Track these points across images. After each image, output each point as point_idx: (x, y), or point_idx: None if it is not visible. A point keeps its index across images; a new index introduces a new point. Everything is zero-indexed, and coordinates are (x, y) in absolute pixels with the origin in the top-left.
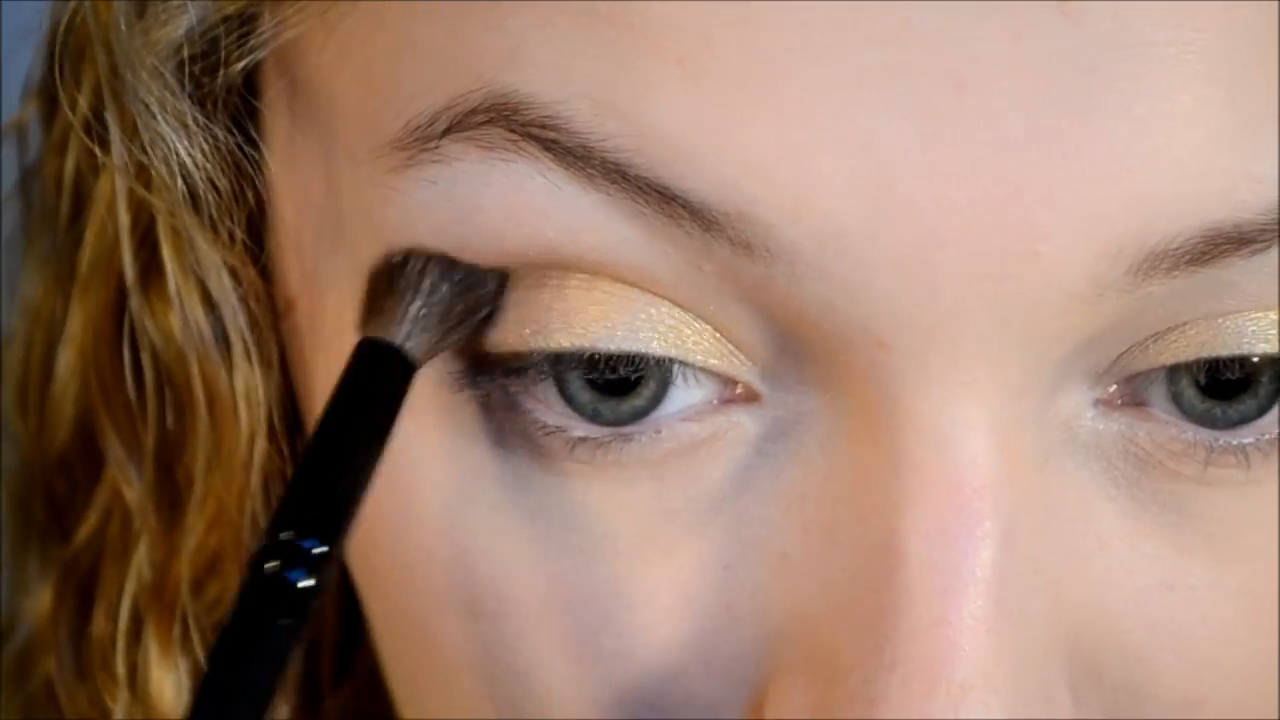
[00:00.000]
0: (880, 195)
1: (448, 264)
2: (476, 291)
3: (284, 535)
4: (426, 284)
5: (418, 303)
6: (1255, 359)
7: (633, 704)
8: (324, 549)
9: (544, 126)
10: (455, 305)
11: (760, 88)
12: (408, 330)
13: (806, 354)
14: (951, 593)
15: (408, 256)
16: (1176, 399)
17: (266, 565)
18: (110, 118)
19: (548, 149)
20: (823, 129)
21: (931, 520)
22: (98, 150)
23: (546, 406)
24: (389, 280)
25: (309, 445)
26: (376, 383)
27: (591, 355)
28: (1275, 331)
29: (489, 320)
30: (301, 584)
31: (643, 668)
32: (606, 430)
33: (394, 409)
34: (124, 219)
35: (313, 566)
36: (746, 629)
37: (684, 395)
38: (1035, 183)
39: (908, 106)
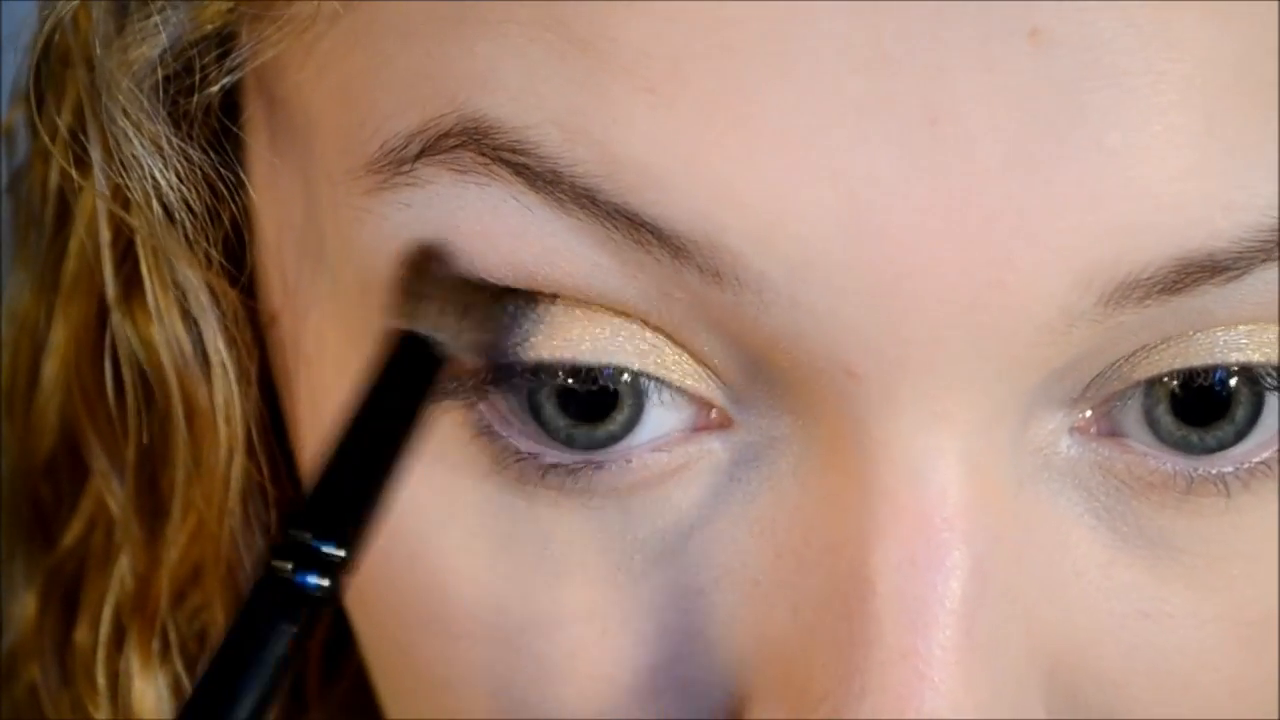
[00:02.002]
0: (851, 224)
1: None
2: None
3: (302, 536)
4: (452, 279)
5: (446, 296)
6: (1232, 381)
7: None
8: (341, 554)
9: (514, 151)
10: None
11: (732, 116)
12: (437, 322)
13: (778, 381)
14: (920, 624)
15: (432, 249)
16: (1153, 426)
17: (277, 564)
18: (91, 136)
19: (519, 173)
20: (795, 158)
21: (901, 551)
22: (74, 173)
23: (520, 433)
24: (419, 273)
25: (336, 440)
26: (409, 377)
27: (574, 365)
28: (1246, 341)
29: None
30: (313, 588)
31: (617, 691)
32: (579, 457)
33: (425, 403)
34: (105, 235)
35: (327, 571)
36: (719, 654)
37: (659, 419)
38: (1008, 213)
39: (882, 137)
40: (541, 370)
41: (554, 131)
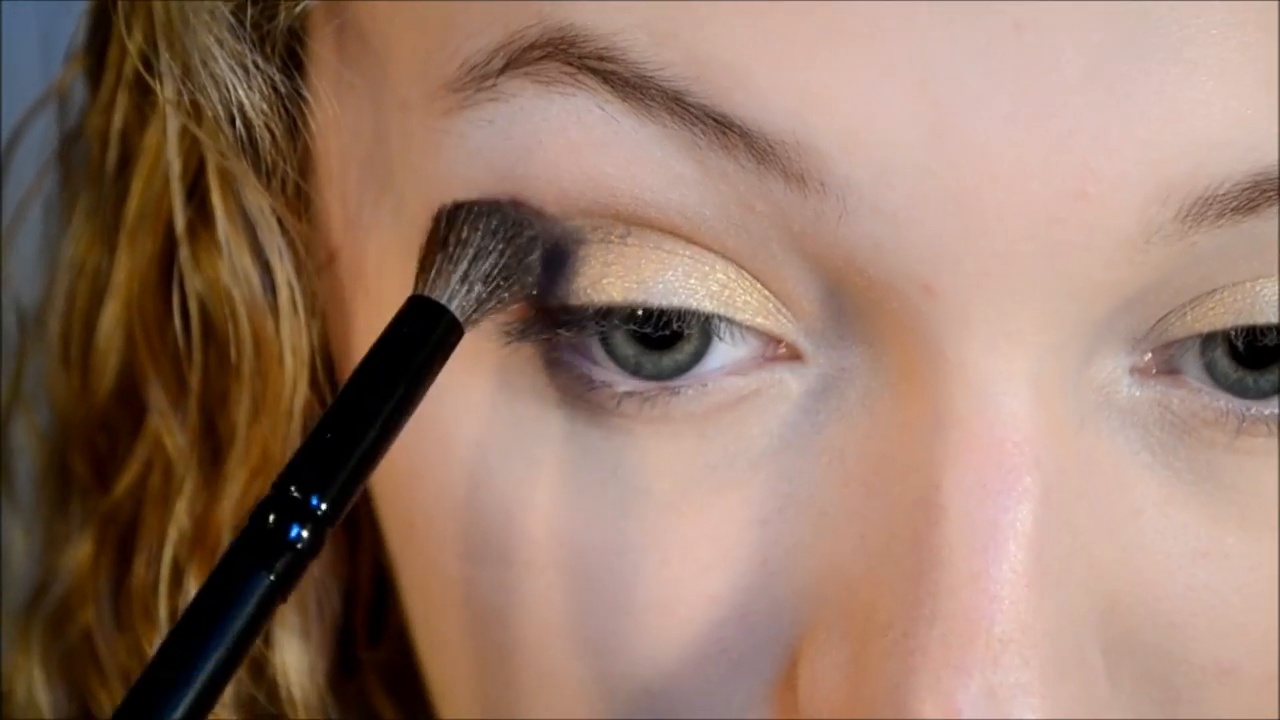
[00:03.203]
0: (935, 131)
1: (496, 216)
2: (520, 243)
3: (292, 489)
4: (475, 242)
5: (465, 262)
6: None
7: (666, 657)
8: (325, 507)
9: (601, 58)
10: (503, 263)
11: (821, 19)
12: (455, 289)
13: (852, 307)
14: (991, 547)
15: (456, 210)
16: (1210, 368)
17: (268, 517)
18: (165, 63)
19: (606, 80)
20: (882, 63)
21: (972, 475)
22: (160, 91)
23: (592, 362)
24: (440, 238)
25: (336, 400)
26: (420, 342)
27: (646, 308)
28: None
29: (539, 281)
30: (297, 539)
31: (677, 622)
32: (652, 385)
33: (434, 371)
34: (175, 166)
35: (312, 523)
36: (782, 584)
37: (727, 352)
38: (1089, 124)
39: (967, 44)
40: (614, 313)
41: (642, 35)
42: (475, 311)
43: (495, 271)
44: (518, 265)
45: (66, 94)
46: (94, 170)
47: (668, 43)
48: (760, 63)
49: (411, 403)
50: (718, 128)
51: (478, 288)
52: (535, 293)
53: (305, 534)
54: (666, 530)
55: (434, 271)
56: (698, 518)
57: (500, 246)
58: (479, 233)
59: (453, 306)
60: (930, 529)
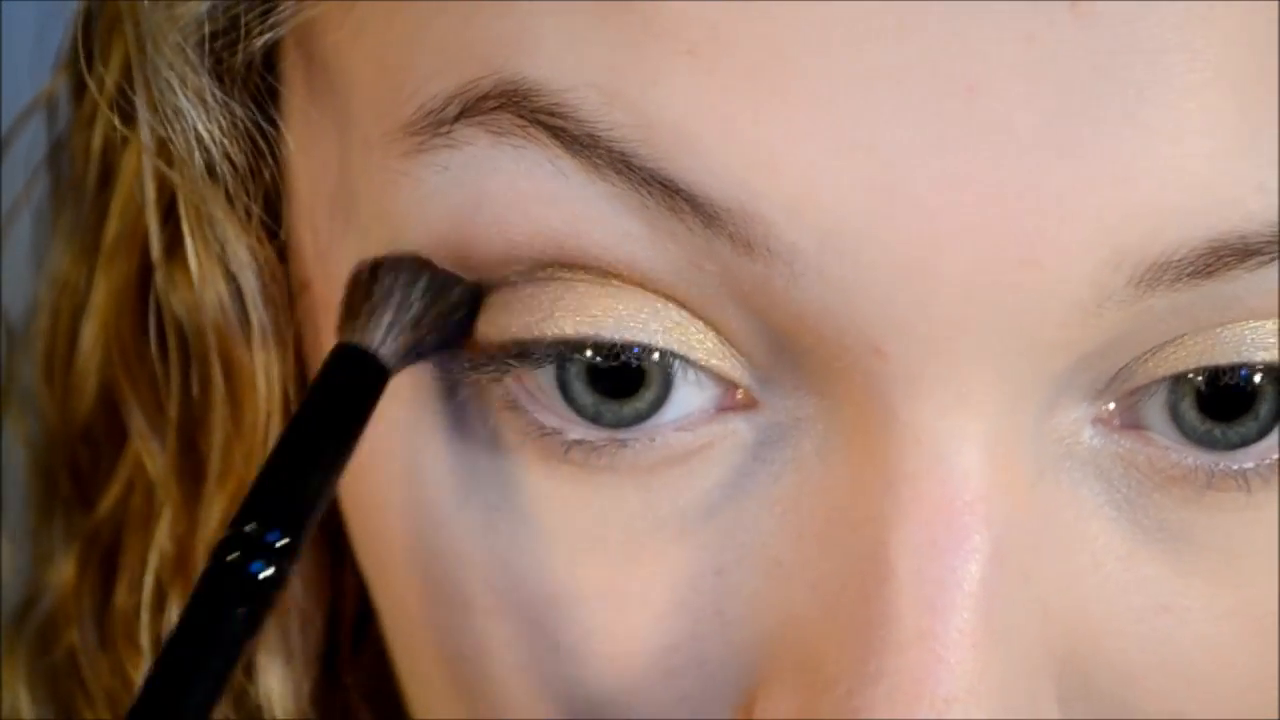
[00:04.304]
0: (884, 195)
1: (418, 271)
2: (448, 299)
3: (248, 528)
4: (398, 293)
5: (390, 311)
6: (1257, 377)
7: (625, 704)
8: (285, 541)
9: (552, 114)
10: (428, 313)
11: (769, 81)
12: (382, 336)
13: (804, 360)
14: (939, 606)
15: (379, 263)
16: (1177, 420)
17: (228, 556)
18: (137, 92)
19: (556, 136)
20: (830, 126)
21: (922, 533)
22: (118, 123)
23: (546, 408)
24: (365, 286)
25: (278, 442)
26: (349, 386)
27: (596, 342)
28: (1274, 340)
29: (467, 328)
30: (261, 575)
31: (634, 670)
32: (603, 434)
33: (365, 412)
34: (150, 192)
35: (273, 558)
36: (738, 634)
37: (686, 398)
38: (1041, 188)
39: (917, 107)
40: (564, 346)
41: (592, 94)
42: (402, 354)
43: (414, 318)
44: (438, 313)
45: (54, 101)
46: (76, 185)
47: (617, 102)
48: (707, 126)
49: (349, 439)
50: (665, 191)
51: (399, 334)
52: (475, 334)
53: (270, 571)
54: (623, 578)
55: (358, 317)
56: (654, 565)
57: (416, 296)
58: (397, 283)
59: (379, 351)
60: (879, 585)
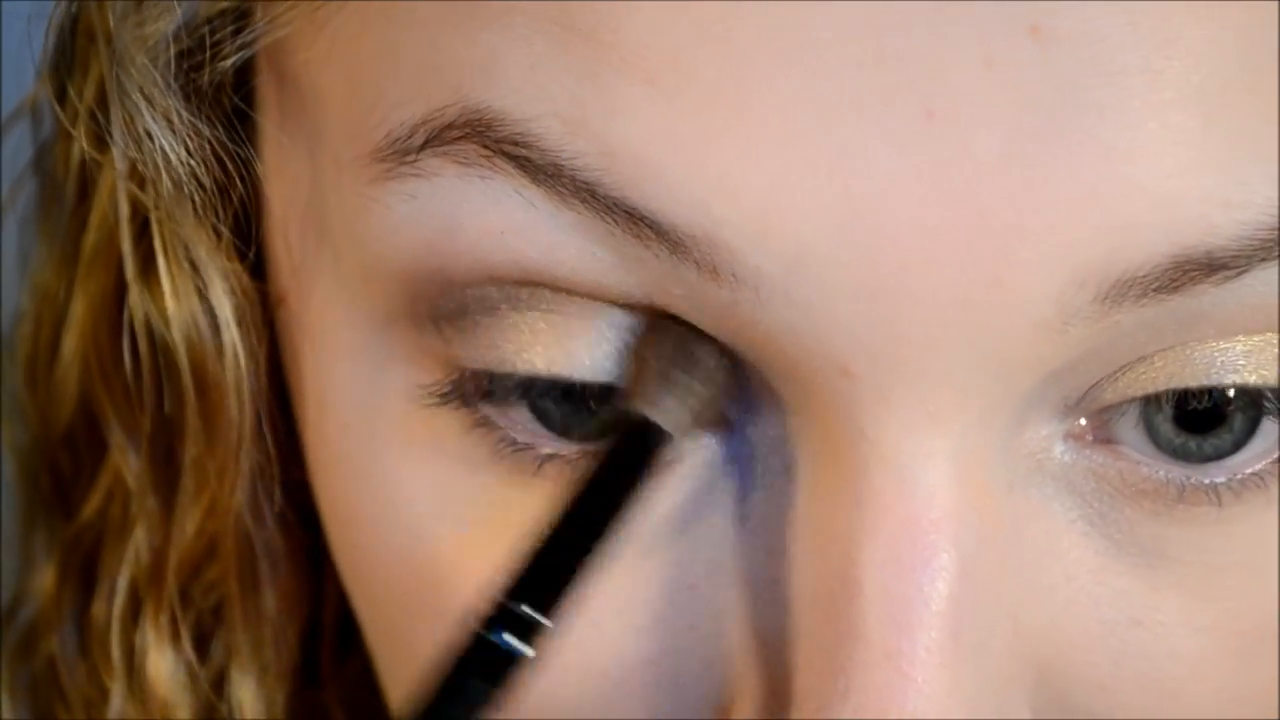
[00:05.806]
0: (847, 220)
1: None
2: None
3: (510, 603)
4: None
5: (684, 385)
6: (1229, 392)
7: (600, 717)
8: (543, 621)
9: (516, 144)
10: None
11: (730, 108)
12: (676, 411)
13: (774, 380)
14: (905, 624)
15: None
16: (1151, 432)
17: (486, 629)
18: (111, 113)
19: (521, 167)
20: (792, 152)
21: (888, 551)
22: (87, 148)
23: (517, 423)
24: (661, 361)
25: (559, 518)
26: (636, 470)
27: (567, 383)
28: (1244, 362)
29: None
30: (514, 651)
31: (607, 684)
32: (575, 449)
33: (643, 493)
34: (124, 210)
35: (529, 636)
36: (711, 648)
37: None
38: (1004, 209)
39: (879, 131)
40: (536, 382)
41: (555, 124)
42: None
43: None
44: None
45: (39, 106)
46: (58, 195)
47: (580, 132)
48: (668, 153)
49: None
50: (629, 219)
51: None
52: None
53: (525, 648)
54: (596, 594)
55: (654, 392)
56: (627, 579)
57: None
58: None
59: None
60: (848, 603)
